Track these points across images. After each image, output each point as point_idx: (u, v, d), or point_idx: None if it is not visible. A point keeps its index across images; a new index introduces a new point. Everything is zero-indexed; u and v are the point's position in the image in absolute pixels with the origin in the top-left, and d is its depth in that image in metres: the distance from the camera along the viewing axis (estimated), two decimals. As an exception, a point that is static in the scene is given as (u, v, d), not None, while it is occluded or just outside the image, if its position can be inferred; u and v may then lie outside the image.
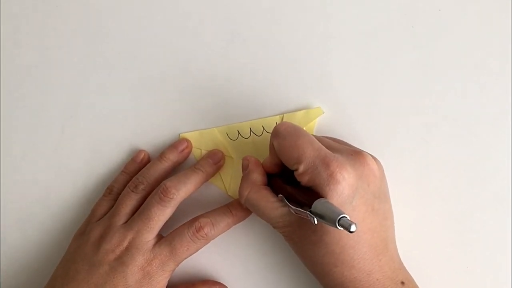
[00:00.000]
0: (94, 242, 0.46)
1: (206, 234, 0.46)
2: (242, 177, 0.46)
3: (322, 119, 0.49)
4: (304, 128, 0.48)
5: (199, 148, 0.51)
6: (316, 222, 0.37)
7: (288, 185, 0.43)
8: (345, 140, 0.47)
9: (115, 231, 0.45)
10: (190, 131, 0.51)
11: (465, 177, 0.48)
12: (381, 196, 0.42)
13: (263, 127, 0.50)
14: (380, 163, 0.43)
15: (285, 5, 0.51)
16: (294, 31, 0.50)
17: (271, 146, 0.44)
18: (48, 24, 0.53)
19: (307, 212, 0.38)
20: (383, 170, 0.43)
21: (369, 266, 0.40)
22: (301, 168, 0.41)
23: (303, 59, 0.50)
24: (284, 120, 0.49)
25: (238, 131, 0.50)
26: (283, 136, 0.42)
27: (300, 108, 0.50)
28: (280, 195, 0.43)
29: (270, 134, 0.44)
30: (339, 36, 0.50)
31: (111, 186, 0.50)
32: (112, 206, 0.48)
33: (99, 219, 0.48)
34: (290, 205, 0.41)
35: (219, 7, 0.51)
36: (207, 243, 0.46)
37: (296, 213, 0.40)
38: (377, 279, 0.41)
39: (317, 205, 0.38)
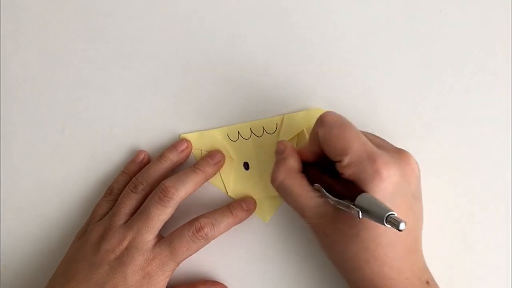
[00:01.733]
0: (94, 242, 0.46)
1: (206, 235, 0.46)
2: (276, 161, 0.45)
3: (322, 120, 0.49)
4: (305, 129, 0.49)
5: (199, 148, 0.51)
6: (360, 217, 0.37)
7: (326, 175, 0.42)
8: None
9: (115, 231, 0.46)
10: (190, 132, 0.51)
11: (465, 177, 0.48)
12: (418, 196, 0.42)
13: (263, 128, 0.50)
14: (417, 162, 0.43)
15: (285, 5, 0.51)
16: (294, 31, 0.50)
17: (314, 135, 0.43)
18: (48, 24, 0.53)
19: (351, 205, 0.37)
20: (420, 171, 0.43)
21: (400, 264, 0.40)
22: (346, 160, 0.40)
23: (303, 59, 0.50)
24: (284, 120, 0.49)
25: (238, 132, 0.50)
26: (329, 125, 0.42)
27: (301, 108, 0.50)
28: (317, 184, 0.42)
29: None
30: (340, 36, 0.50)
31: (111, 187, 0.50)
32: (113, 207, 0.48)
33: (99, 220, 0.48)
34: (330, 196, 0.40)
35: (219, 7, 0.51)
36: (207, 243, 0.46)
37: (335, 204, 0.40)
38: (407, 278, 0.40)
39: (362, 199, 0.37)
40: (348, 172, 0.40)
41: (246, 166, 0.50)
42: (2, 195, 0.52)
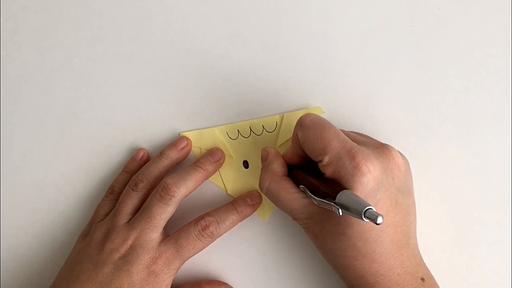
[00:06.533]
0: (98, 242, 0.46)
1: (211, 233, 0.46)
2: (262, 168, 0.46)
3: (322, 119, 0.49)
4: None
5: (199, 147, 0.51)
6: (340, 214, 0.37)
7: (310, 176, 0.43)
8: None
9: (118, 231, 0.46)
10: (190, 130, 0.51)
11: (465, 177, 0.48)
12: (405, 191, 0.42)
13: (263, 127, 0.50)
14: (405, 157, 0.43)
15: (285, 5, 0.51)
16: (294, 31, 0.50)
17: (295, 137, 0.44)
18: (48, 24, 0.53)
19: (331, 203, 0.37)
20: (409, 165, 0.43)
21: (390, 260, 0.40)
22: (326, 160, 0.40)
23: (303, 58, 0.50)
24: (284, 119, 0.49)
25: (238, 131, 0.50)
26: (308, 127, 0.42)
27: (300, 107, 0.50)
28: (302, 186, 0.42)
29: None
30: (339, 35, 0.50)
31: (112, 186, 0.50)
32: (114, 206, 0.48)
33: (102, 220, 0.48)
34: (313, 196, 0.40)
35: (219, 7, 0.51)
36: (213, 241, 0.47)
37: (319, 204, 0.40)
38: (398, 274, 0.40)
39: (342, 196, 0.37)
40: (329, 171, 0.41)
41: (246, 164, 0.50)
42: (2, 195, 0.52)
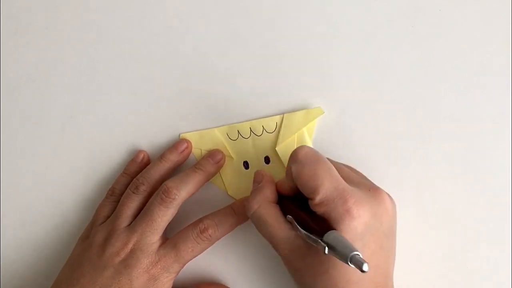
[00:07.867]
0: (99, 245, 0.46)
1: (210, 236, 0.46)
2: (253, 190, 0.45)
3: (322, 119, 0.49)
4: (304, 128, 0.49)
5: (199, 148, 0.51)
6: (326, 253, 0.36)
7: (299, 209, 0.42)
8: (345, 141, 0.48)
9: (119, 234, 0.45)
10: (190, 131, 0.51)
11: (465, 177, 0.48)
12: (390, 234, 0.42)
13: (263, 127, 0.50)
14: (393, 200, 0.43)
15: (285, 5, 0.51)
16: (294, 31, 0.50)
17: (288, 170, 0.43)
18: (48, 25, 0.53)
19: (319, 239, 0.37)
20: (396, 208, 0.43)
21: None
22: (318, 199, 0.40)
23: (303, 59, 0.50)
24: (284, 120, 0.49)
25: (238, 131, 0.50)
26: (302, 162, 0.42)
27: (300, 108, 0.50)
28: (290, 216, 0.42)
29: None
30: (339, 36, 0.50)
31: (113, 188, 0.50)
32: (115, 208, 0.48)
33: (102, 222, 0.48)
34: (300, 229, 0.40)
35: (219, 7, 0.51)
36: (212, 244, 0.46)
37: (305, 238, 0.39)
38: None
39: (330, 236, 0.37)
40: (319, 211, 0.40)
41: (246, 165, 0.50)
42: (2, 195, 0.52)
